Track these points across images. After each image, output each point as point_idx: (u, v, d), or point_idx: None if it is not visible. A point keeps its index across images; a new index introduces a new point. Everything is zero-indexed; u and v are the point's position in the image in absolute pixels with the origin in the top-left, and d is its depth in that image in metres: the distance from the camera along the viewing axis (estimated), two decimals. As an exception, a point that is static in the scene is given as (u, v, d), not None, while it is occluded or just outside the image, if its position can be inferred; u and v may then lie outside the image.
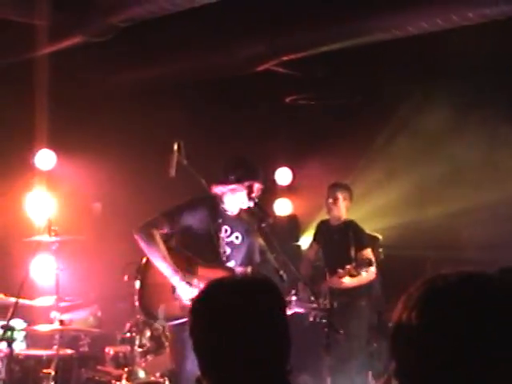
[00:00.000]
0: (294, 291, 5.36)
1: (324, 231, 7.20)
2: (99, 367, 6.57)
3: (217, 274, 5.08)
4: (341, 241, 6.92)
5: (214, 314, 2.08)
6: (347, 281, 6.51)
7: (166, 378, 5.89)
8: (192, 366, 2.13)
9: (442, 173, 8.02)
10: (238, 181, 5.32)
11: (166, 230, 5.30)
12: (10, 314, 5.50)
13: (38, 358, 6.24)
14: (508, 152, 7.61)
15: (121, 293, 6.57)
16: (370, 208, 8.16)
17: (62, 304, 6.28)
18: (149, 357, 6.15)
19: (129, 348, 6.14)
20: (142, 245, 5.26)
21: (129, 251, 5.79)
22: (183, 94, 8.01)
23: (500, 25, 5.88)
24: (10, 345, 5.53)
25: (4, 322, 5.59)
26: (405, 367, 1.62)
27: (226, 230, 5.40)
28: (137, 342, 6.07)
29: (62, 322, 6.14)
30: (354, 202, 7.19)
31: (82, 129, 7.57)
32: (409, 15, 6.06)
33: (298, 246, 9.10)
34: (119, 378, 6.06)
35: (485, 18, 5.77)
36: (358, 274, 6.41)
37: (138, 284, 5.41)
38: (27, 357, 6.27)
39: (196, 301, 2.14)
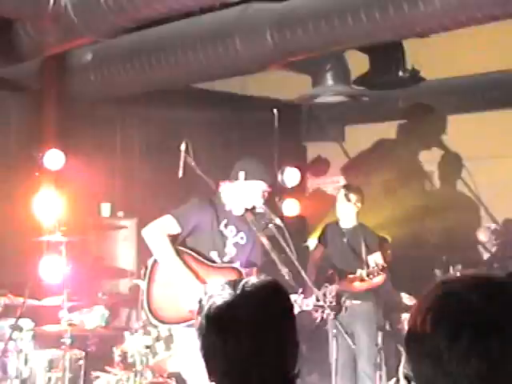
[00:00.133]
0: (300, 290, 5.36)
1: (333, 234, 7.13)
2: (107, 367, 6.58)
3: (225, 275, 5.09)
4: (351, 244, 6.89)
5: (220, 318, 2.08)
6: (357, 285, 6.51)
7: (174, 379, 5.89)
8: (199, 368, 2.11)
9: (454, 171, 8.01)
10: (246, 180, 5.33)
11: (174, 231, 5.29)
12: (18, 314, 5.51)
13: (46, 358, 6.26)
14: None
15: (128, 293, 6.58)
16: (379, 208, 8.14)
17: (70, 304, 6.29)
18: (156, 357, 6.15)
19: (136, 348, 6.14)
20: (150, 244, 5.25)
21: (137, 251, 5.80)
22: (190, 94, 8.02)
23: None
24: (18, 345, 5.54)
25: (12, 322, 5.60)
26: (418, 371, 1.61)
27: (232, 230, 5.40)
28: (144, 343, 6.07)
29: (70, 322, 6.15)
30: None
31: (90, 129, 7.59)
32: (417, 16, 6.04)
33: (306, 247, 9.08)
34: (127, 379, 6.07)
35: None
36: (370, 280, 6.41)
37: (144, 286, 5.40)
38: (35, 357, 6.29)
39: (203, 303, 2.14)
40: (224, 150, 7.77)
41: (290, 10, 6.20)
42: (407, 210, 8.22)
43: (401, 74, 7.13)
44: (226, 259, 5.34)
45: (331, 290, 6.39)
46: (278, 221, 5.33)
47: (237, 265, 5.35)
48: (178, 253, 5.23)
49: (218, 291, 2.14)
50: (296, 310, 4.90)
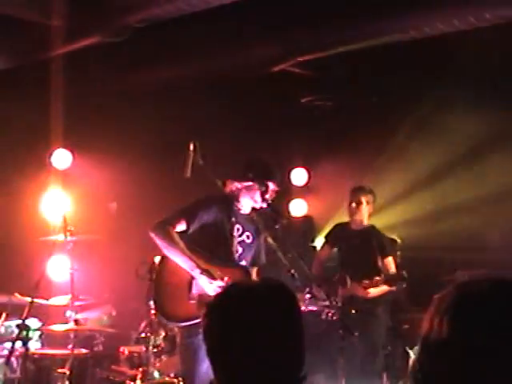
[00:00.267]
0: (307, 289, 5.36)
1: (343, 235, 7.05)
2: (114, 367, 6.59)
3: (233, 274, 5.09)
4: (362, 247, 6.82)
5: (228, 320, 2.07)
6: (373, 291, 6.47)
7: (180, 379, 5.88)
8: (207, 368, 2.11)
9: (462, 173, 7.97)
10: (255, 178, 5.32)
11: (182, 228, 5.28)
12: (25, 314, 5.51)
13: (53, 358, 6.28)
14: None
15: (135, 292, 6.58)
16: (389, 210, 8.12)
17: (77, 303, 6.30)
18: (163, 357, 6.15)
19: (143, 348, 6.14)
20: (159, 242, 5.22)
21: (144, 251, 5.79)
22: (199, 94, 8.01)
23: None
24: (25, 344, 5.54)
25: (19, 322, 5.60)
26: (435, 373, 1.60)
27: (239, 229, 5.39)
28: (151, 342, 6.07)
29: (76, 322, 6.16)
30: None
31: (97, 128, 7.59)
32: (425, 16, 6.03)
33: (314, 247, 9.07)
34: (133, 378, 6.07)
35: (502, 19, 5.74)
36: (390, 286, 6.40)
37: (151, 284, 5.40)
38: (42, 356, 6.31)
39: (211, 305, 2.14)
40: (233, 149, 7.76)
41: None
42: (417, 212, 8.20)
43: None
44: (232, 258, 5.33)
45: (344, 294, 6.38)
46: (285, 220, 5.33)
47: (243, 264, 5.35)
48: (188, 250, 5.21)
49: (225, 294, 2.14)
50: (302, 311, 4.92)
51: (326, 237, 7.33)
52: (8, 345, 5.91)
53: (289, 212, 9.38)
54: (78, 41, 6.59)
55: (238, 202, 5.42)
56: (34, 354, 6.18)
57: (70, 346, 6.10)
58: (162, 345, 6.13)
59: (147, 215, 7.03)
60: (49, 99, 7.07)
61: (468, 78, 7.30)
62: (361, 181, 7.43)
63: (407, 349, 6.79)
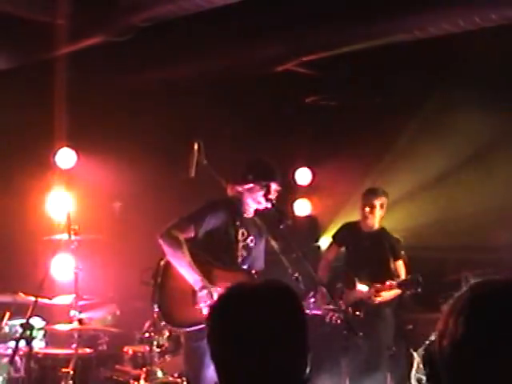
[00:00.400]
0: (312, 293, 5.33)
1: (351, 235, 6.97)
2: (117, 366, 6.59)
3: (238, 278, 5.06)
4: (373, 249, 6.76)
5: (230, 323, 2.06)
6: (384, 294, 6.44)
7: (184, 379, 5.88)
8: (213, 372, 2.10)
9: (467, 173, 7.96)
10: (255, 180, 5.30)
11: (190, 234, 5.24)
12: (29, 313, 5.51)
13: (57, 357, 6.28)
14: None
15: (139, 292, 6.58)
16: (394, 210, 8.10)
17: (81, 303, 6.30)
18: (167, 357, 6.15)
19: (147, 348, 6.14)
20: (167, 249, 5.17)
21: (149, 250, 5.79)
22: (203, 93, 8.01)
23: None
24: (29, 343, 5.55)
25: (23, 321, 5.60)
26: (449, 374, 1.60)
27: (243, 233, 5.38)
28: (155, 342, 6.07)
29: (80, 321, 6.17)
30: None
31: (102, 127, 7.59)
32: (430, 16, 6.02)
33: (318, 247, 9.07)
34: (137, 378, 6.08)
35: (507, 19, 5.72)
36: (404, 291, 6.37)
37: (156, 289, 5.36)
38: (46, 355, 6.31)
39: (213, 309, 2.13)
40: (237, 149, 7.76)
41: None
42: (421, 211, 8.19)
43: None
44: (236, 262, 5.32)
45: (353, 296, 6.35)
46: (289, 221, 5.31)
47: (248, 267, 5.34)
48: (192, 256, 5.20)
49: (228, 297, 2.13)
50: (307, 313, 4.91)
51: (334, 237, 7.25)
52: (12, 344, 5.91)
53: (293, 212, 9.38)
54: (82, 40, 6.60)
55: (242, 205, 5.40)
56: (37, 353, 6.18)
57: (74, 346, 6.11)
58: (166, 345, 6.13)
59: (151, 215, 7.06)
60: (53, 99, 7.07)
61: (472, 78, 7.29)
62: (364, 181, 7.41)
63: (411, 350, 6.73)
